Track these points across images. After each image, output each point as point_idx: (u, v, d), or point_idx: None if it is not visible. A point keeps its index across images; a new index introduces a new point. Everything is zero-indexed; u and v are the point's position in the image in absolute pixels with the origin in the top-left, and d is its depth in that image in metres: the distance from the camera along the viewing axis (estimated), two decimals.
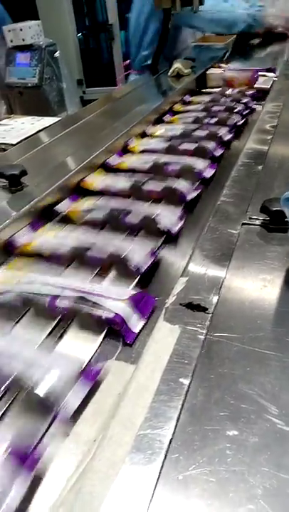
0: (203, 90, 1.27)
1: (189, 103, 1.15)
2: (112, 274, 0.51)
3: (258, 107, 1.08)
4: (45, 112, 1.88)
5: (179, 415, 0.32)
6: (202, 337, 0.39)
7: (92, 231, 0.57)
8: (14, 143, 1.19)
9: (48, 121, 1.41)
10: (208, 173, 0.73)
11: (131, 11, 1.81)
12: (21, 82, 2.00)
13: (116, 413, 0.32)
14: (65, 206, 0.65)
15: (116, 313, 0.42)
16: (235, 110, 0.99)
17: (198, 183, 0.70)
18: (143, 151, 0.83)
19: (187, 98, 1.17)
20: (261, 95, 1.18)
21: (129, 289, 0.48)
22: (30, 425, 0.33)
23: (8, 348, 0.39)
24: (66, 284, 0.46)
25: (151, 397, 0.33)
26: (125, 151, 0.86)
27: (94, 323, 0.43)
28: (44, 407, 0.33)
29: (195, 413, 0.32)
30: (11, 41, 1.97)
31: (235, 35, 1.82)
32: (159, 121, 1.04)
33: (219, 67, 1.47)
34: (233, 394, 0.34)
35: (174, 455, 0.29)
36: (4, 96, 2.03)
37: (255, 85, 1.24)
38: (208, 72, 1.38)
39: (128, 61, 1.95)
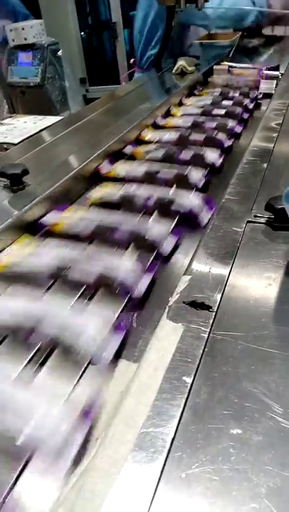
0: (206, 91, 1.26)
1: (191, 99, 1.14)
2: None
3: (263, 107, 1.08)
4: (48, 111, 1.88)
5: (182, 413, 0.31)
6: (205, 335, 0.38)
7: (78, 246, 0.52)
8: (16, 142, 1.19)
9: (50, 120, 1.41)
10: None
11: (136, 9, 1.80)
12: (23, 82, 2.00)
13: (118, 411, 0.32)
14: (51, 218, 0.60)
15: None
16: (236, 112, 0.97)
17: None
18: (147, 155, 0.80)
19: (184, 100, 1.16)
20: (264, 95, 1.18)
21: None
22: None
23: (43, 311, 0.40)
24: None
25: (154, 395, 0.33)
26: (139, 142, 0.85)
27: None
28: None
29: (198, 411, 0.32)
30: (13, 40, 1.97)
31: (240, 33, 1.81)
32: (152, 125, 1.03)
33: (224, 64, 1.46)
34: (236, 392, 0.33)
35: (177, 453, 0.29)
36: (6, 95, 2.03)
37: (260, 90, 1.23)
38: (214, 67, 1.38)
39: (133, 59, 1.94)
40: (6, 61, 2.03)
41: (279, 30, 2.06)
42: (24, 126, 1.39)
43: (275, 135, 0.83)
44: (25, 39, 1.95)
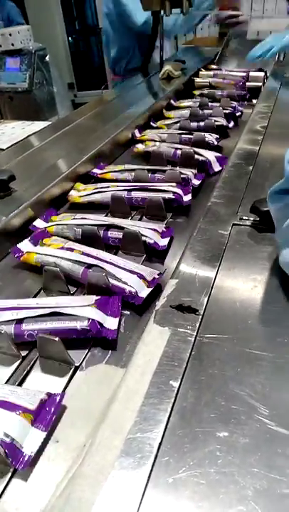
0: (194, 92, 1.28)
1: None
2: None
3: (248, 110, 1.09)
4: (36, 116, 1.88)
5: (169, 418, 0.31)
6: (192, 339, 0.38)
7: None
8: (4, 148, 1.18)
9: (38, 125, 1.40)
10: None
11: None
12: (11, 87, 1.99)
13: (105, 417, 0.32)
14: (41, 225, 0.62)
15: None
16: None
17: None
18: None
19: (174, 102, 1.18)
20: (251, 95, 1.20)
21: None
22: None
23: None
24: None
25: (140, 400, 0.32)
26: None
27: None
28: None
29: (185, 415, 0.32)
30: (0, 46, 1.96)
31: (226, 38, 1.83)
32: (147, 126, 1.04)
33: (210, 69, 1.48)
34: (223, 395, 0.33)
35: (164, 458, 0.29)
36: None
37: (247, 83, 1.26)
38: (200, 73, 1.39)
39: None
40: None
41: (264, 35, 2.08)
42: (12, 131, 1.39)
43: (260, 138, 0.84)
44: (13, 45, 1.95)
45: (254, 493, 0.27)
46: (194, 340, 0.38)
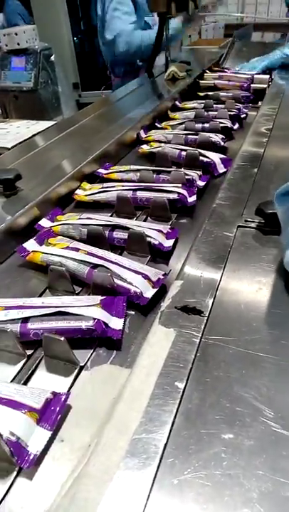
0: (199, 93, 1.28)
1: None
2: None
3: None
4: (41, 115, 1.89)
5: (174, 419, 0.32)
6: (197, 340, 0.38)
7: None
8: (9, 147, 1.19)
9: (43, 125, 1.41)
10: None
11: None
12: (16, 86, 2.00)
13: (111, 418, 0.32)
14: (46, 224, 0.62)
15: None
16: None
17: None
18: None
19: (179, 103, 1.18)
20: (256, 97, 1.20)
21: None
22: None
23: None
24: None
25: (146, 401, 0.33)
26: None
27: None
28: None
29: (190, 417, 0.32)
30: (6, 45, 1.97)
31: (231, 39, 1.83)
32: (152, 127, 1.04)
33: (215, 70, 1.48)
34: (228, 397, 0.33)
35: (169, 459, 0.29)
36: None
37: (252, 85, 1.26)
38: (205, 74, 1.39)
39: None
40: None
41: (268, 37, 2.09)
42: (17, 130, 1.39)
43: (265, 140, 0.84)
44: (18, 44, 1.95)
45: (259, 496, 0.27)
46: (199, 342, 0.38)
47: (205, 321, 0.41)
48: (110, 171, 0.79)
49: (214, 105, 1.11)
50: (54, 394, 0.36)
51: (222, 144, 0.88)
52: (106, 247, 0.57)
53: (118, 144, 0.89)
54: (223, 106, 1.09)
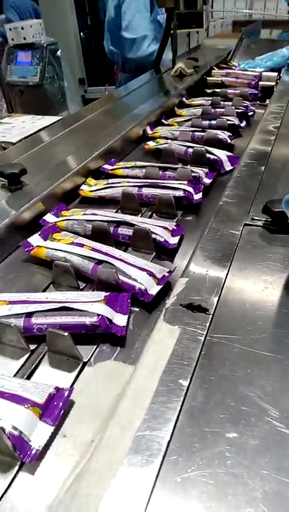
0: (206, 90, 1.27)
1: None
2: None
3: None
4: (47, 110, 1.88)
5: (178, 417, 0.31)
6: (202, 338, 0.38)
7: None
8: (14, 141, 1.18)
9: (48, 120, 1.40)
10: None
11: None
12: (22, 81, 2.00)
13: (114, 414, 0.32)
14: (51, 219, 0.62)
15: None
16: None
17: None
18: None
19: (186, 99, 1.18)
20: (264, 95, 1.19)
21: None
22: None
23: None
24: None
25: (150, 398, 0.32)
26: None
27: None
28: None
29: (194, 415, 0.32)
30: (12, 40, 1.97)
31: (239, 35, 1.82)
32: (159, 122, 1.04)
33: (223, 67, 1.47)
34: (233, 396, 0.33)
35: (173, 457, 0.29)
36: (5, 94, 2.03)
37: (260, 83, 1.25)
38: (212, 71, 1.38)
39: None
40: (5, 60, 2.02)
41: (277, 34, 2.07)
42: (23, 125, 1.39)
43: (272, 138, 0.83)
44: (25, 38, 1.95)
45: (263, 496, 0.27)
46: (204, 340, 0.38)
47: (210, 319, 0.40)
48: (116, 167, 0.79)
49: (221, 102, 1.10)
50: (57, 389, 0.36)
51: (229, 141, 0.87)
52: (111, 243, 0.56)
53: (124, 140, 0.89)
54: (230, 103, 1.09)
